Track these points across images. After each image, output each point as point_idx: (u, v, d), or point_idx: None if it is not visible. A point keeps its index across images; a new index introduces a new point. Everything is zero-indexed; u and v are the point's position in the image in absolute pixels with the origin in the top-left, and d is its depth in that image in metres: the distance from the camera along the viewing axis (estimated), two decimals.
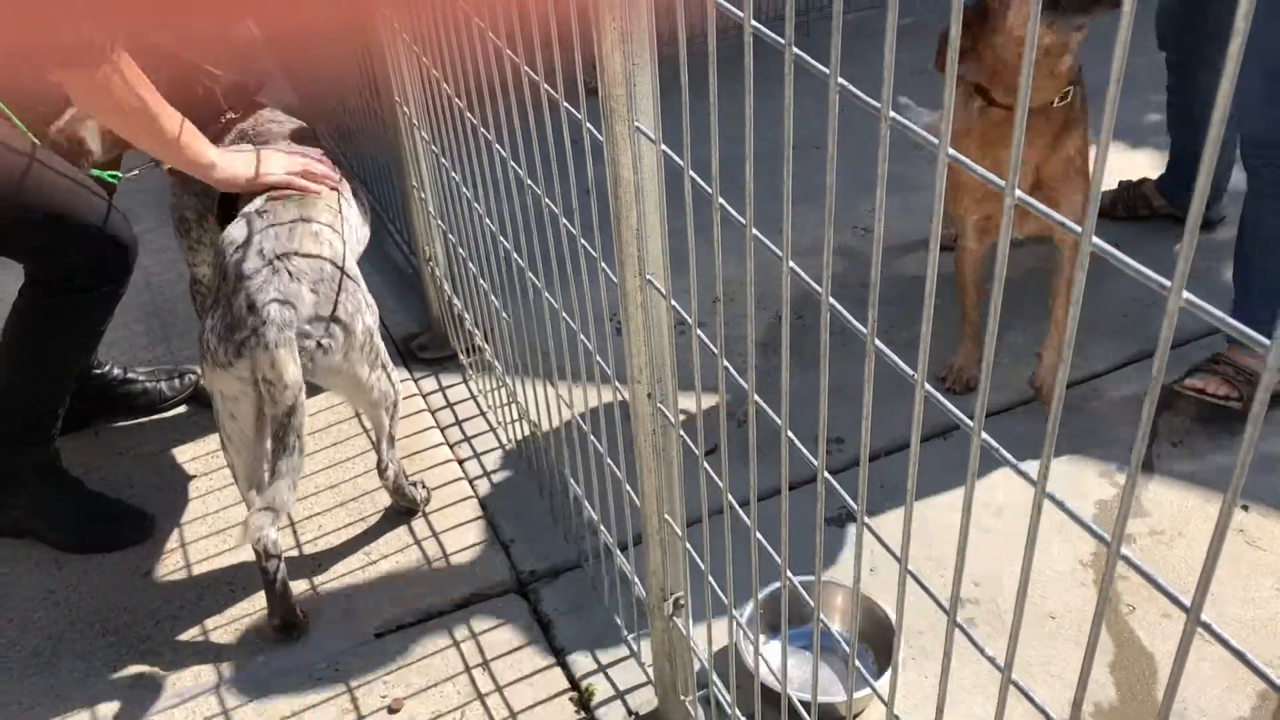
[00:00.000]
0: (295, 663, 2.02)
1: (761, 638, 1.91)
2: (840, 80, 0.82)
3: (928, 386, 0.89)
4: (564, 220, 1.58)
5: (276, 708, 1.95)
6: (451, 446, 2.50)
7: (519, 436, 2.40)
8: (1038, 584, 2.10)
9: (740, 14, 0.95)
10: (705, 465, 1.39)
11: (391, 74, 2.37)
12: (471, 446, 2.50)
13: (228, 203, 2.17)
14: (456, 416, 2.59)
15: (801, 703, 1.43)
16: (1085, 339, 2.69)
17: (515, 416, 2.37)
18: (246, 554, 2.20)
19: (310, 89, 3.85)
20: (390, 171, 2.79)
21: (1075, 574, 2.15)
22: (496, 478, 2.42)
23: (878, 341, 0.95)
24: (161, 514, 2.35)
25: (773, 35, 0.91)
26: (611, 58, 1.20)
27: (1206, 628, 0.68)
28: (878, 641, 1.98)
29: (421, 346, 2.78)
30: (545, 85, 1.46)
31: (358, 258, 2.15)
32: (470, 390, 2.65)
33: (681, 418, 1.46)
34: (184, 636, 2.08)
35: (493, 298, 2.14)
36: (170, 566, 2.23)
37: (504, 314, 2.10)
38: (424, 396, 2.65)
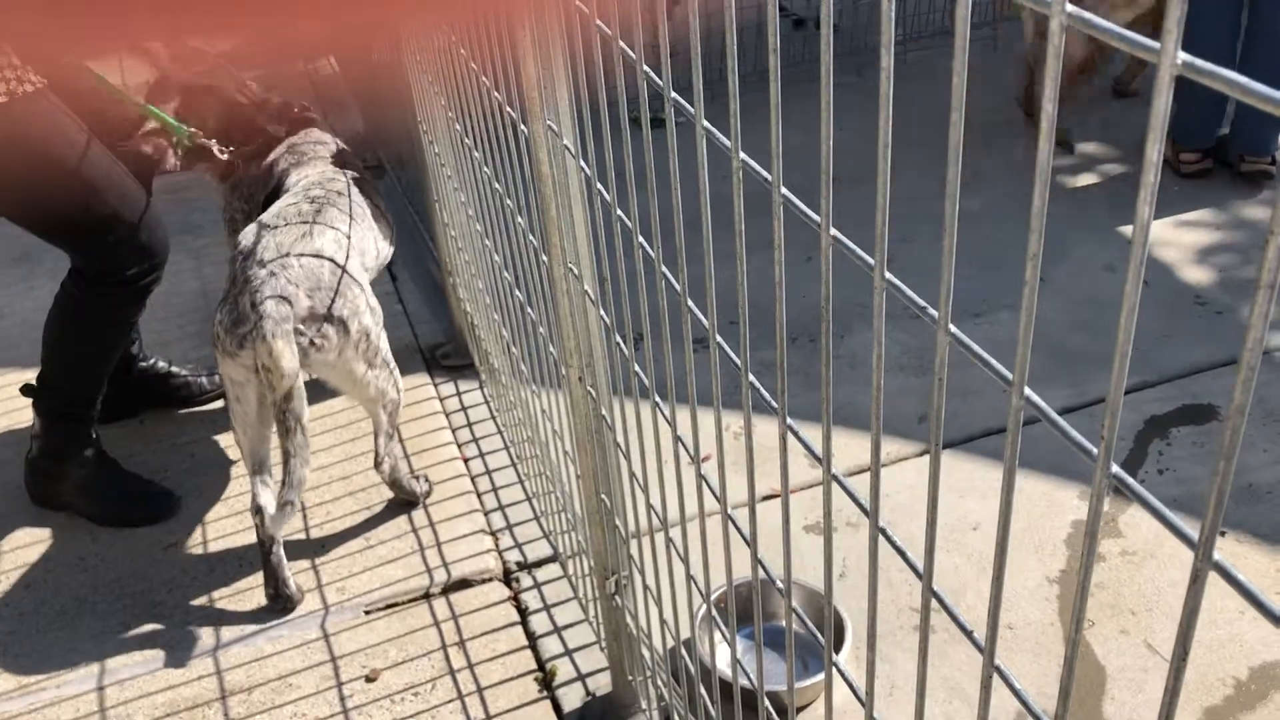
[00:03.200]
0: (289, 632, 2.18)
1: (718, 633, 2.00)
2: (742, 155, 0.90)
3: (791, 422, 0.99)
4: (519, 217, 1.71)
5: (265, 671, 2.10)
6: (459, 446, 2.65)
7: (519, 438, 2.53)
8: (1003, 597, 2.14)
9: (660, 82, 1.07)
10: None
11: (416, 96, 2.55)
12: (478, 447, 2.65)
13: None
14: (468, 419, 2.74)
15: (745, 690, 1.52)
16: (1091, 369, 2.73)
17: (517, 420, 2.51)
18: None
19: (377, 118, 4.10)
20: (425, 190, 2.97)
21: (1041, 589, 2.19)
22: (497, 476, 2.55)
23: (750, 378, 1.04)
24: (189, 495, 2.54)
25: (685, 104, 0.98)
26: (526, 63, 1.34)
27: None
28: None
29: (445, 355, 2.95)
30: (494, 91, 1.61)
31: (374, 271, 2.34)
32: (484, 396, 2.80)
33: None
34: (193, 604, 2.26)
35: (486, 297, 2.29)
36: (190, 542, 2.42)
37: (495, 313, 2.24)
38: (441, 400, 2.81)
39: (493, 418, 2.73)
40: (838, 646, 1.96)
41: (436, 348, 2.99)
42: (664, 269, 1.11)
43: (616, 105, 1.13)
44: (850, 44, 4.44)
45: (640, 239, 1.15)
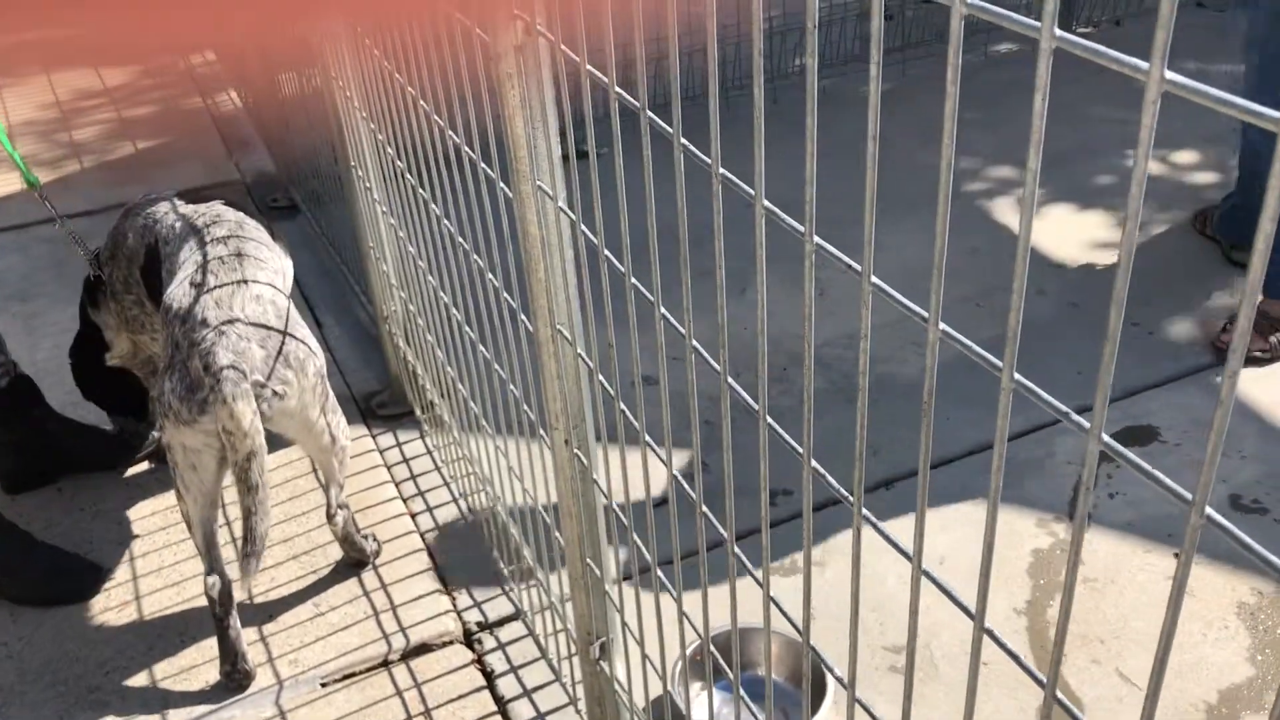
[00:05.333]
0: (241, 713, 2.06)
1: (696, 686, 1.95)
2: (722, 170, 0.88)
3: (815, 464, 0.95)
4: (490, 275, 1.65)
5: None
6: (405, 500, 2.55)
7: (470, 490, 2.45)
8: (969, 632, 2.14)
9: (636, 103, 1.02)
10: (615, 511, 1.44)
11: (347, 137, 2.46)
12: (425, 501, 2.55)
13: (151, 275, 2.24)
14: (411, 471, 2.65)
15: None
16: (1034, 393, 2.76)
17: (467, 471, 2.43)
18: (198, 604, 2.25)
19: (287, 156, 3.96)
20: (354, 233, 2.86)
21: (1009, 621, 2.19)
22: (447, 531, 2.47)
23: (769, 419, 1.01)
24: (118, 567, 2.39)
25: (661, 124, 0.97)
26: (514, 122, 1.28)
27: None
28: (813, 688, 2.02)
29: (381, 404, 2.84)
30: (465, 147, 1.54)
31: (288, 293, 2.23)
32: (426, 446, 2.71)
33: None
34: (133, 686, 2.12)
35: (438, 351, 2.21)
36: (123, 618, 2.27)
37: (449, 368, 2.16)
38: (381, 452, 2.71)
39: (437, 469, 2.64)
40: (819, 697, 1.92)
41: (371, 396, 2.89)
42: (694, 343, 1.06)
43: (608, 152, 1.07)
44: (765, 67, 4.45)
45: (663, 311, 1.10)
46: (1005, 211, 3.60)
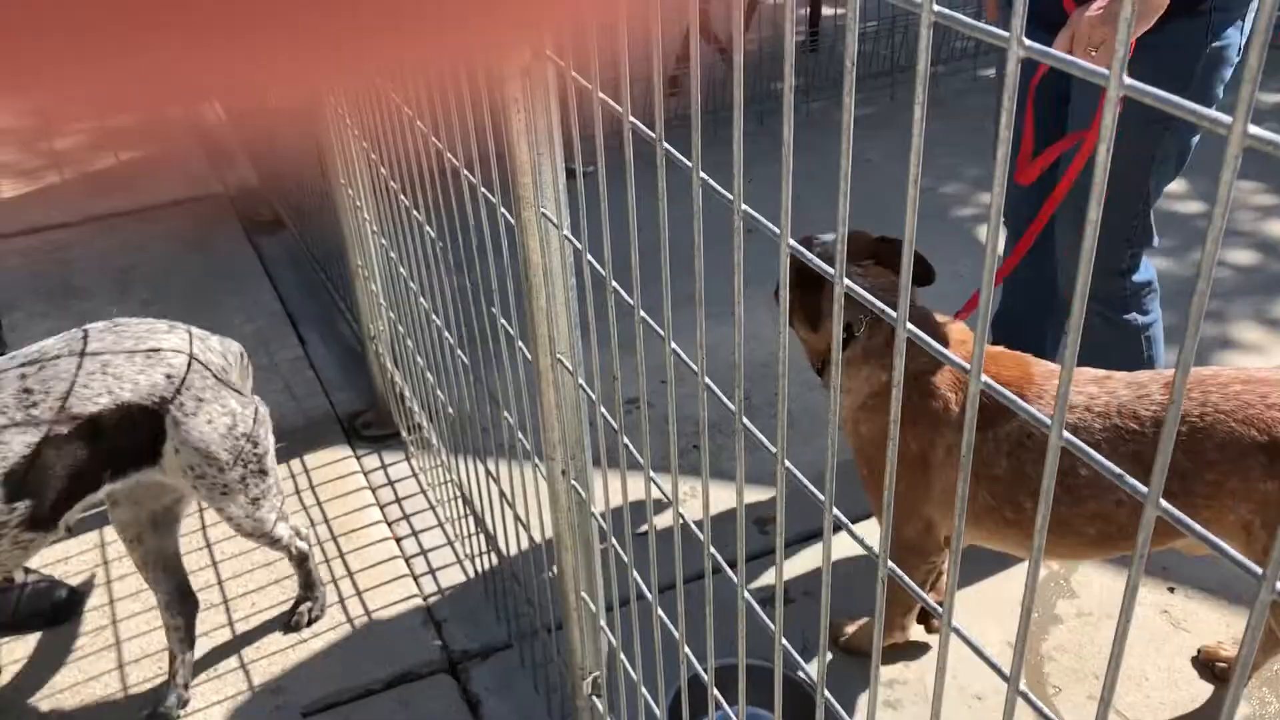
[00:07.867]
0: None
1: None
2: (702, 175, 0.87)
3: (836, 512, 0.92)
4: (485, 300, 1.61)
5: None
6: (390, 524, 2.51)
7: (457, 514, 2.41)
8: (965, 666, 2.11)
9: (620, 108, 1.00)
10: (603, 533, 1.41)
11: (338, 157, 2.42)
12: (410, 525, 2.51)
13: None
14: (396, 494, 2.60)
15: None
16: None
17: (452, 495, 2.39)
18: None
19: (270, 169, 3.92)
20: (340, 250, 2.82)
21: (1004, 654, 2.16)
22: (433, 557, 2.42)
23: (788, 464, 0.98)
24: (93, 590, 2.33)
25: (644, 129, 0.95)
26: (518, 148, 1.25)
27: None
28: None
29: (366, 424, 2.80)
30: (465, 171, 1.51)
31: None
32: (411, 468, 2.66)
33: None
34: (106, 714, 2.06)
35: (428, 374, 2.17)
36: (98, 643, 2.21)
37: (439, 391, 2.12)
38: (365, 474, 2.66)
39: (423, 492, 2.59)
40: None
41: (356, 416, 2.84)
42: (708, 380, 1.03)
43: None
44: (753, 90, 4.45)
45: (676, 349, 1.07)
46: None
